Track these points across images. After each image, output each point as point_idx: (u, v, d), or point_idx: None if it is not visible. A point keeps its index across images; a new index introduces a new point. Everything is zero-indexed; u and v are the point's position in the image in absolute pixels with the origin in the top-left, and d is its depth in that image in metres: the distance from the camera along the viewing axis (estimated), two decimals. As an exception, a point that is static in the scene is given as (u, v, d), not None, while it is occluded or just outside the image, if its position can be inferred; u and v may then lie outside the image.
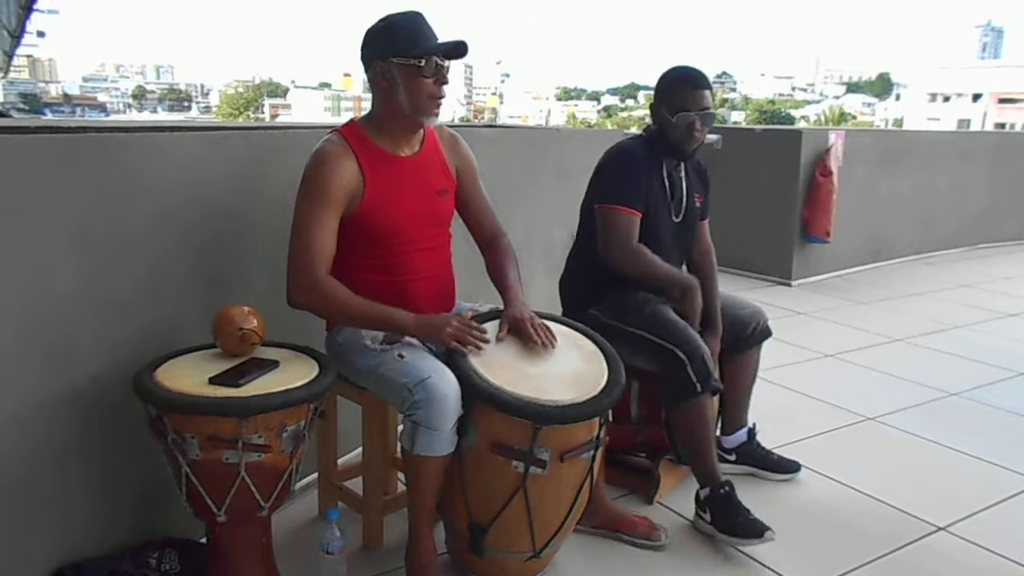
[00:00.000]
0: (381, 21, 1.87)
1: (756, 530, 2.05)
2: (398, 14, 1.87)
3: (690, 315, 2.24)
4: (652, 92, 2.40)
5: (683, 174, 2.42)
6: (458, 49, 1.87)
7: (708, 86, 2.30)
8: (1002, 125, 44.19)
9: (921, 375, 3.57)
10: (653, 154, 2.33)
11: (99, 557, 1.79)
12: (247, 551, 1.79)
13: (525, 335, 1.92)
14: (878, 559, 2.11)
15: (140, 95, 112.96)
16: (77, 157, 1.72)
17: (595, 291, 2.35)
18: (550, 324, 2.05)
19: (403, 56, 1.83)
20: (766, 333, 2.50)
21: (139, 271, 1.85)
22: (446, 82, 1.89)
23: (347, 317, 1.90)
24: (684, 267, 2.50)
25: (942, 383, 3.47)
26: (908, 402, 3.24)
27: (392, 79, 1.85)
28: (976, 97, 53.75)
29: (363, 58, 1.90)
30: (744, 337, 2.45)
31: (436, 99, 1.88)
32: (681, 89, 2.26)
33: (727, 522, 2.10)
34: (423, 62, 1.83)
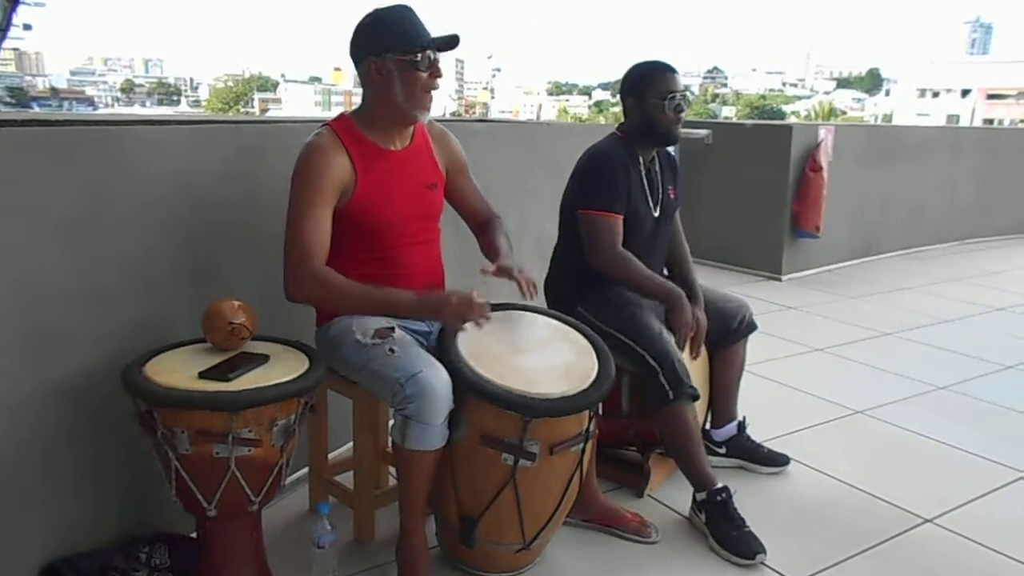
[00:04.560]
0: (371, 17, 1.87)
1: (747, 550, 2.05)
2: (387, 9, 1.87)
3: (676, 326, 2.24)
4: (621, 92, 2.40)
5: (658, 168, 2.43)
6: (452, 42, 1.88)
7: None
8: (991, 121, 44.44)
9: (910, 369, 3.59)
10: (630, 152, 2.35)
11: (90, 551, 1.79)
12: (237, 545, 1.79)
13: (511, 278, 1.95)
14: (866, 551, 2.13)
15: (129, 89, 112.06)
16: (65, 151, 1.71)
17: (580, 289, 2.36)
18: (541, 318, 2.06)
19: (398, 51, 1.83)
20: (752, 326, 2.52)
21: (128, 265, 1.85)
22: (440, 75, 1.91)
23: (347, 304, 1.89)
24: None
25: (931, 377, 3.49)
26: (897, 395, 3.27)
27: (388, 74, 1.85)
28: (965, 93, 54.00)
29: (355, 54, 1.89)
30: (731, 331, 2.47)
31: (430, 92, 1.89)
32: (661, 76, 2.31)
33: (721, 532, 2.10)
34: (419, 56, 1.83)
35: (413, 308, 1.86)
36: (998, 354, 3.85)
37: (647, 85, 2.31)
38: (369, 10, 1.89)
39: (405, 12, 1.87)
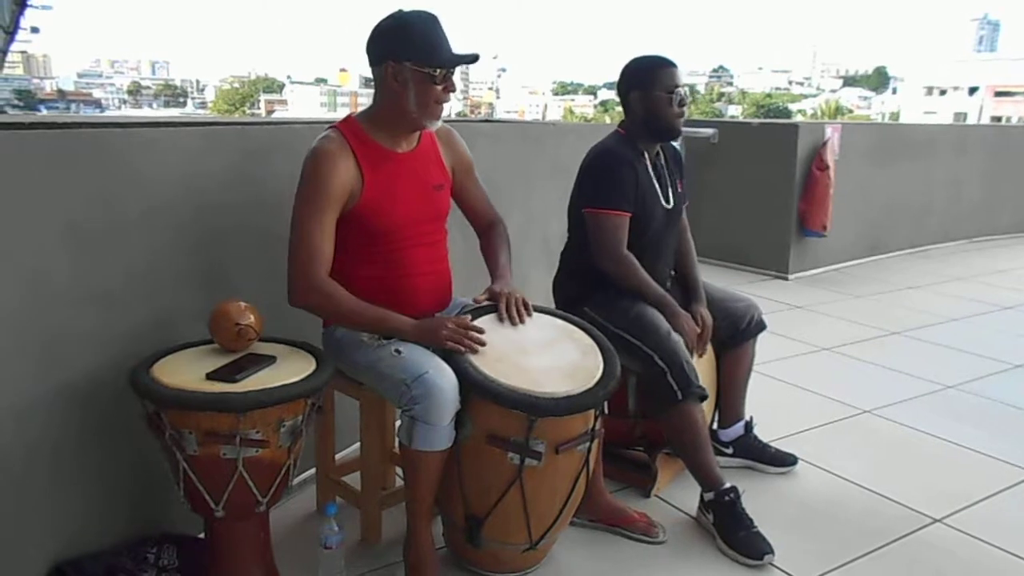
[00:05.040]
0: (396, 20, 1.84)
1: (756, 550, 2.04)
2: (414, 14, 1.84)
3: (688, 343, 2.24)
4: (622, 88, 2.38)
5: (663, 161, 2.43)
6: (472, 61, 1.89)
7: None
8: (998, 118, 44.18)
9: (917, 368, 3.58)
10: (634, 149, 2.34)
11: (97, 553, 1.79)
12: (245, 546, 1.79)
13: (499, 308, 1.97)
14: (874, 551, 2.12)
15: (135, 91, 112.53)
16: (73, 153, 1.72)
17: (588, 290, 2.35)
18: (546, 317, 2.06)
19: (419, 63, 1.82)
20: (760, 326, 2.51)
21: (135, 267, 1.85)
22: (454, 88, 1.91)
23: (346, 319, 1.92)
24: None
25: (938, 376, 3.48)
26: (904, 395, 3.26)
27: (404, 82, 1.84)
28: (972, 90, 53.76)
29: (373, 53, 1.87)
30: (740, 330, 2.46)
31: (442, 104, 1.89)
32: (664, 71, 2.30)
33: (729, 532, 2.10)
34: (437, 71, 1.83)
35: (410, 334, 1.87)
36: (1006, 353, 3.83)
37: (652, 80, 2.30)
38: (394, 10, 1.86)
39: (432, 24, 1.84)
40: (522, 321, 1.99)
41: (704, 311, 2.36)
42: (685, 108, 2.31)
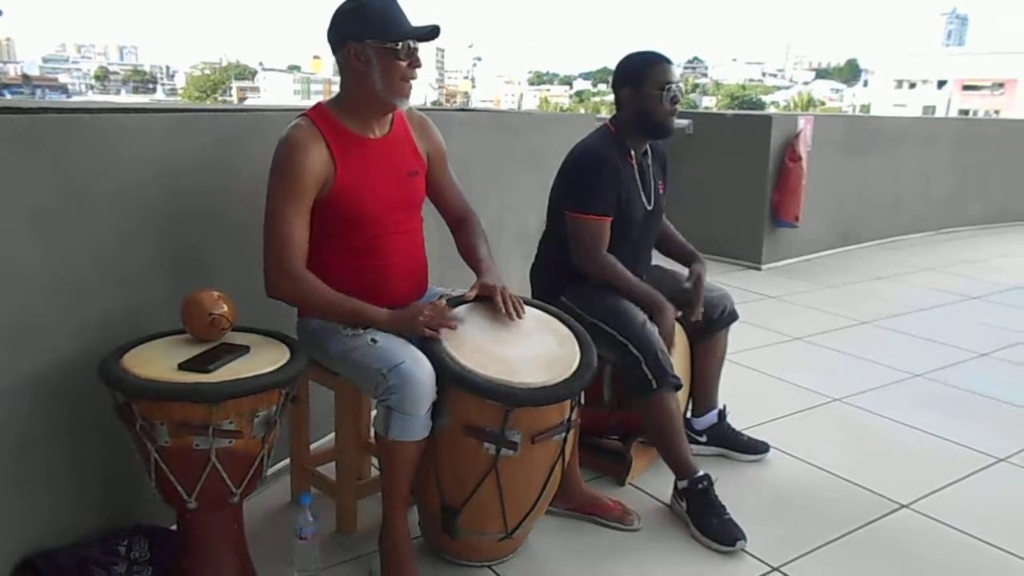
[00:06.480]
0: (352, 2, 1.85)
1: (728, 537, 2.07)
2: None
3: (663, 335, 2.25)
4: (615, 83, 2.37)
5: (649, 161, 2.43)
6: (432, 33, 1.88)
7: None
8: (966, 111, 44.96)
9: (887, 357, 3.64)
10: (621, 147, 2.33)
11: (68, 545, 1.77)
12: (218, 538, 1.78)
13: (494, 303, 1.95)
14: (843, 536, 2.16)
15: (103, 76, 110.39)
16: (38, 139, 1.68)
17: (565, 279, 2.36)
18: (524, 307, 2.06)
19: (379, 39, 1.82)
20: (733, 316, 2.54)
21: (105, 255, 1.82)
22: (419, 65, 1.90)
23: (321, 311, 1.90)
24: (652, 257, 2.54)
25: (907, 364, 3.54)
26: (874, 383, 3.31)
27: (367, 61, 1.84)
28: (941, 84, 54.54)
29: (333, 39, 1.87)
30: (713, 320, 2.48)
31: (409, 81, 1.88)
32: (657, 66, 2.29)
33: (702, 519, 2.12)
34: (399, 45, 1.82)
35: (385, 324, 1.86)
36: (972, 342, 3.91)
37: (643, 76, 2.27)
38: None
39: (388, 1, 1.85)
40: (520, 316, 1.96)
41: (702, 269, 2.43)
42: (677, 106, 2.29)
